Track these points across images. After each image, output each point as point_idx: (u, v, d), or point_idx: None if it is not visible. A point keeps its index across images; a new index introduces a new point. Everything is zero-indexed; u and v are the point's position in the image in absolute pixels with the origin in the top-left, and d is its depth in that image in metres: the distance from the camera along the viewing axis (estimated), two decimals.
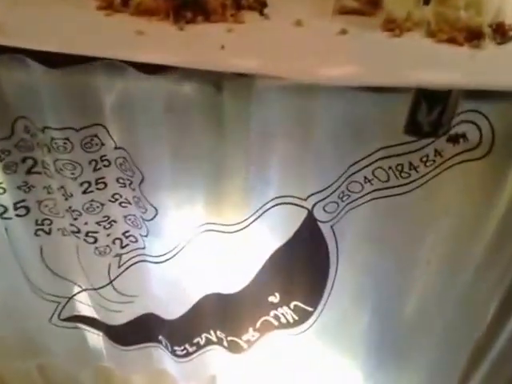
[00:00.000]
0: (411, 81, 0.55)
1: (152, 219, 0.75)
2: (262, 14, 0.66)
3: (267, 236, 0.76)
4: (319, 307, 0.83)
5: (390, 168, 0.66)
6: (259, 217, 0.73)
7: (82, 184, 0.72)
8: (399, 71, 0.56)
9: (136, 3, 0.65)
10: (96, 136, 0.68)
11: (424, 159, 0.64)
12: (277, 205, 0.72)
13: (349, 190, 0.69)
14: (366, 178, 0.67)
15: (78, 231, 0.79)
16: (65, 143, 0.68)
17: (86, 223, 0.78)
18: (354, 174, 0.67)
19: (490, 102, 0.59)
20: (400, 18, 0.63)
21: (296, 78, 0.56)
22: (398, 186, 0.67)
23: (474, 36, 0.61)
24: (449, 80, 0.55)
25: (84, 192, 0.73)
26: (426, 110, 0.58)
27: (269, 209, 0.72)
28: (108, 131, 0.67)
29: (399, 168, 0.65)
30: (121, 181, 0.73)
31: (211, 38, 0.62)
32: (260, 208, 0.72)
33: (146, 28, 0.63)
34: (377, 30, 0.64)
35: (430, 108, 0.58)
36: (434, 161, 0.64)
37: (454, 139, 0.62)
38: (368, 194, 0.69)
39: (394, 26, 0.63)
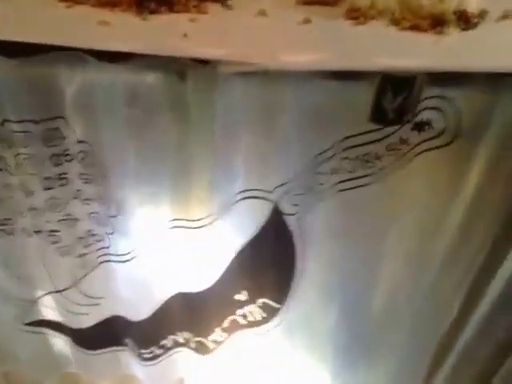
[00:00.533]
0: (375, 65, 0.55)
1: (116, 216, 0.73)
2: (225, 4, 0.65)
3: (233, 231, 0.74)
4: (286, 303, 0.82)
5: (356, 158, 0.65)
6: (225, 211, 0.72)
7: (43, 180, 0.70)
8: (364, 56, 0.55)
9: None
10: (57, 129, 0.66)
11: (389, 148, 0.64)
12: (243, 199, 0.71)
13: (315, 182, 0.68)
14: (332, 168, 0.67)
15: (40, 231, 0.76)
16: (25, 137, 0.66)
17: (47, 221, 0.75)
18: (319, 165, 0.67)
19: (456, 87, 0.59)
20: (364, 6, 0.63)
21: (260, 64, 0.55)
22: (364, 177, 0.67)
23: (437, 23, 0.61)
24: (413, 64, 0.54)
25: (45, 189, 0.71)
26: (390, 97, 0.58)
27: (234, 203, 0.71)
28: (69, 124, 0.66)
29: (365, 158, 0.65)
30: (84, 177, 0.71)
31: (174, 27, 0.61)
32: (226, 202, 0.71)
33: (108, 18, 0.61)
34: (340, 19, 0.64)
35: (395, 94, 0.57)
36: (400, 149, 0.64)
37: (419, 127, 0.62)
38: (334, 185, 0.68)
39: (357, 15, 0.63)
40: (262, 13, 0.64)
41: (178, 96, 0.62)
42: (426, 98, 0.59)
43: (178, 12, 0.64)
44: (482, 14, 0.63)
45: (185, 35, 0.59)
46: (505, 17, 0.63)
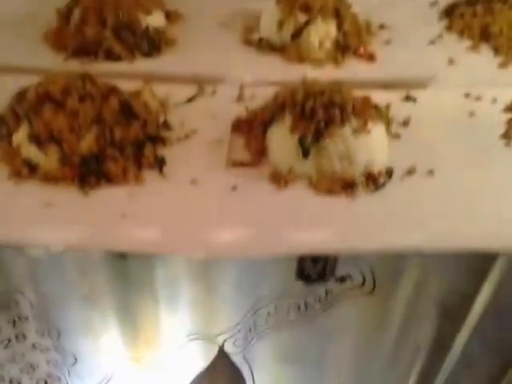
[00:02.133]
0: (293, 249, 0.62)
1: (73, 364, 0.78)
2: (160, 172, 0.72)
3: (181, 372, 0.80)
4: None
5: (289, 305, 0.72)
6: (172, 353, 0.78)
7: (2, 341, 0.75)
8: (282, 238, 0.62)
9: (43, 172, 0.70)
10: (13, 299, 0.72)
11: (317, 298, 0.71)
12: (189, 341, 0.77)
13: (255, 324, 0.75)
14: (268, 313, 0.73)
15: (2, 379, 0.81)
16: None
17: (9, 371, 0.80)
18: (257, 310, 0.73)
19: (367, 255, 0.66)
20: (284, 171, 0.70)
21: (192, 255, 0.62)
22: (298, 320, 0.73)
23: (348, 186, 0.69)
24: (324, 247, 0.62)
25: (5, 347, 0.76)
26: (310, 265, 0.65)
27: (181, 346, 0.77)
28: (24, 294, 0.71)
29: (297, 306, 0.72)
30: (39, 331, 0.76)
31: (113, 205, 0.67)
32: (172, 345, 0.77)
33: (52, 198, 0.67)
34: (265, 182, 0.71)
35: (315, 262, 0.65)
36: (326, 298, 0.71)
37: (341, 280, 0.69)
38: (273, 326, 0.75)
39: (279, 179, 0.70)
40: (194, 182, 0.70)
41: (119, 267, 0.68)
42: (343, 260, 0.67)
43: (117, 184, 0.70)
44: (389, 173, 0.70)
45: (123, 216, 0.65)
46: (409, 172, 0.71)
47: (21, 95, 0.73)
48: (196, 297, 0.72)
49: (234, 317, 0.74)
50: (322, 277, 0.67)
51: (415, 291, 0.71)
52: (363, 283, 0.69)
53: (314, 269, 0.66)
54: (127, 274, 0.69)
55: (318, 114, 0.67)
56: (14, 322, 0.74)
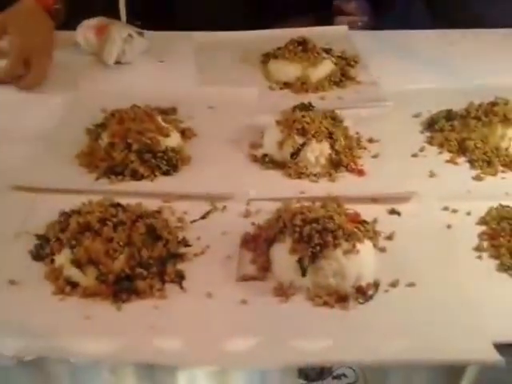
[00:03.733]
0: (294, 362, 0.73)
1: None
2: (181, 287, 0.85)
3: None
4: None
5: None
6: None
7: None
8: (286, 348, 0.74)
9: (83, 289, 0.83)
10: None
11: None
12: None
13: None
14: None
15: None
16: None
17: None
18: None
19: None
20: (285, 285, 0.83)
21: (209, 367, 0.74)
22: None
23: (341, 299, 0.81)
24: (321, 359, 0.74)
25: None
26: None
27: None
28: None
29: None
30: None
31: (142, 318, 0.79)
32: None
33: (91, 311, 0.80)
34: (270, 295, 0.83)
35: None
36: None
37: (337, 378, 0.80)
38: None
39: (281, 293, 0.83)
40: (209, 295, 0.83)
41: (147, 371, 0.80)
42: None
43: (144, 298, 0.83)
44: (376, 285, 0.83)
45: (151, 327, 0.78)
46: (393, 285, 0.84)
47: (63, 223, 0.87)
48: None
49: None
50: (320, 377, 0.78)
51: None
52: (356, 380, 0.80)
53: (313, 369, 0.77)
54: (153, 376, 0.80)
55: (313, 239, 0.80)
56: None
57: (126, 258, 0.83)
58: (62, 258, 0.84)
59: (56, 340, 0.77)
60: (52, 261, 0.86)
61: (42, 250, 0.88)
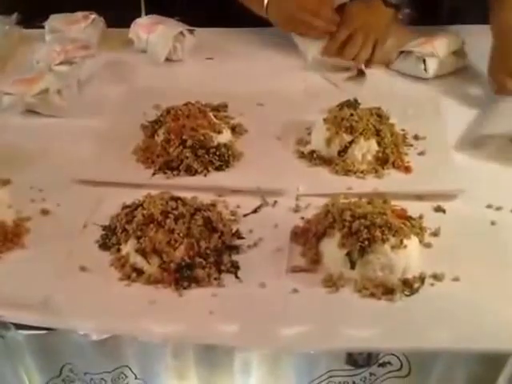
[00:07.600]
0: (345, 346, 0.79)
1: None
2: (236, 276, 0.91)
3: None
4: None
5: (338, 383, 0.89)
6: None
7: None
8: (336, 334, 0.79)
9: (147, 276, 0.89)
10: (122, 373, 0.90)
11: (363, 379, 0.87)
12: None
13: None
14: None
15: None
16: (100, 381, 0.90)
17: None
18: None
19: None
20: (335, 277, 0.88)
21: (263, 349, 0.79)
22: None
23: (387, 291, 0.86)
24: (369, 345, 0.79)
25: None
26: (358, 352, 0.82)
27: None
28: (131, 369, 0.90)
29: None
30: None
31: (202, 304, 0.86)
32: None
33: (154, 297, 0.87)
34: (319, 286, 0.89)
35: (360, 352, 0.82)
36: (370, 379, 0.87)
37: (383, 365, 0.85)
38: None
39: (330, 284, 0.88)
40: (262, 285, 0.89)
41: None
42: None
43: (203, 286, 0.89)
44: (422, 279, 0.87)
45: (210, 312, 0.84)
46: (438, 279, 0.88)
47: (129, 215, 0.93)
48: (263, 378, 0.89)
49: None
50: (367, 363, 0.83)
51: (445, 376, 0.86)
52: (400, 368, 0.85)
53: (361, 355, 0.82)
54: (211, 359, 0.87)
55: (362, 234, 0.85)
56: None
57: (186, 248, 0.89)
58: (128, 247, 0.91)
59: (125, 321, 0.83)
60: (118, 249, 0.93)
61: (108, 240, 0.95)
